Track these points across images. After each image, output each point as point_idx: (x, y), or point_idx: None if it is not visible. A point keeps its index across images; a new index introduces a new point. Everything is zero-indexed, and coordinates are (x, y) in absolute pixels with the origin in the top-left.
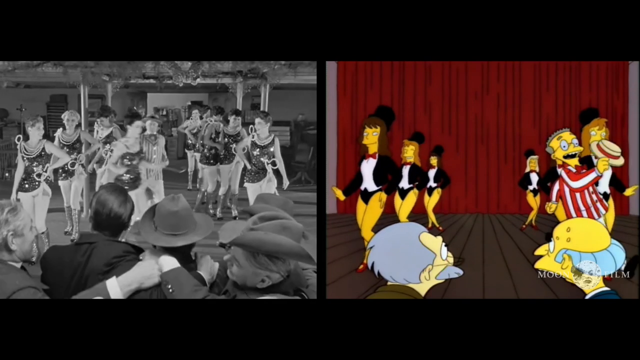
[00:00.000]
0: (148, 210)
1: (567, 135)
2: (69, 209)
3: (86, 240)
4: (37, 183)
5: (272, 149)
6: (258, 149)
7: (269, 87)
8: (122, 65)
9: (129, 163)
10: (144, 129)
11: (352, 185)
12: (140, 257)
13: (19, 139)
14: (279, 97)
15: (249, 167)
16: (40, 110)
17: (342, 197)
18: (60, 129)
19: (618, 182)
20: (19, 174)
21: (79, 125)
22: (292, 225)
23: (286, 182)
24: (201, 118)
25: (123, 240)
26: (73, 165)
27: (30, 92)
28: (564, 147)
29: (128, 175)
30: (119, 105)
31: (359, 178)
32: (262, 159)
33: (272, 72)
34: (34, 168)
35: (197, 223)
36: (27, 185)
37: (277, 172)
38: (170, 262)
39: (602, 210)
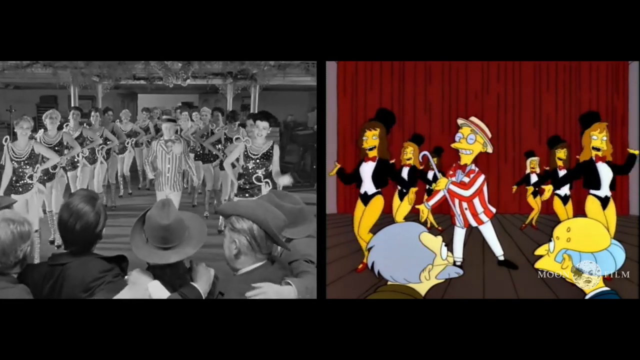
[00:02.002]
0: (138, 219)
1: (465, 130)
2: (51, 213)
3: (58, 262)
4: (30, 185)
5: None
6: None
7: (258, 88)
8: (112, 66)
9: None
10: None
11: (349, 177)
12: (127, 276)
13: (5, 140)
14: (269, 98)
15: (235, 182)
16: (30, 112)
17: (332, 174)
18: (42, 130)
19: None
20: (6, 175)
21: (61, 126)
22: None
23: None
24: (192, 120)
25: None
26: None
27: (20, 93)
28: (458, 138)
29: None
30: (111, 106)
31: (356, 174)
32: (258, 170)
33: (262, 73)
34: (25, 170)
35: (190, 232)
36: (20, 189)
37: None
38: (158, 292)
39: (473, 223)
